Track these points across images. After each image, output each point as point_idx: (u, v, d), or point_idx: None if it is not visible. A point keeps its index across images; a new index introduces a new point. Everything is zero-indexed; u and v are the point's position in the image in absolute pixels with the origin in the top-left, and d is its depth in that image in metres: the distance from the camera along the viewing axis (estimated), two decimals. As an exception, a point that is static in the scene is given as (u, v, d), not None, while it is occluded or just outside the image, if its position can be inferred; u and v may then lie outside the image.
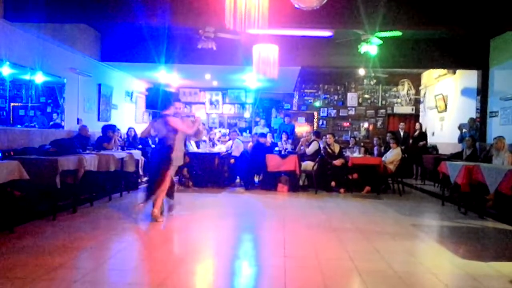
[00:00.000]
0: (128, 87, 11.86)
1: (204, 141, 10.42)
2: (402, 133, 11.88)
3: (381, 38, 7.91)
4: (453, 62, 9.87)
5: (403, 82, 13.72)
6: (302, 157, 9.46)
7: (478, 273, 3.78)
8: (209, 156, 9.30)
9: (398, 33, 7.57)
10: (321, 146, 9.49)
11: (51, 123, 8.03)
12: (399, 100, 13.88)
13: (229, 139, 10.71)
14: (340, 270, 3.84)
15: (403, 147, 10.16)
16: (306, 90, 14.08)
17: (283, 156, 9.04)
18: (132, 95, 12.03)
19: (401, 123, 12.35)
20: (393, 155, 9.13)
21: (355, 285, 3.60)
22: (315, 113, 14.00)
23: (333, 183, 9.07)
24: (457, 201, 7.24)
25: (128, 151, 8.19)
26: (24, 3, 6.35)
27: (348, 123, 14.01)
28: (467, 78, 10.26)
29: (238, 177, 10.00)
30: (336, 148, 9.44)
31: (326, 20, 6.36)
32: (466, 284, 3.59)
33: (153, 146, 10.55)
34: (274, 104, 14.62)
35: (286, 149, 9.71)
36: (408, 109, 13.75)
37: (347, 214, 6.63)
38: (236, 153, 9.82)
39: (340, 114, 13.98)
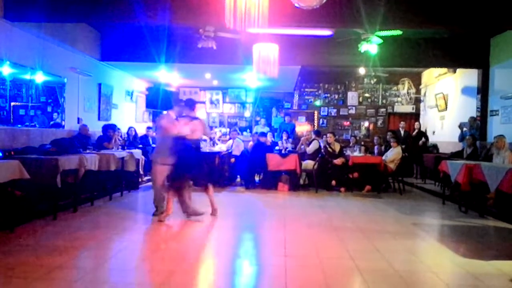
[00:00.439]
0: (129, 87, 11.86)
1: (205, 140, 10.41)
2: (402, 132, 11.87)
3: (381, 37, 7.90)
4: (453, 61, 9.86)
5: (403, 81, 13.71)
6: (303, 156, 9.46)
7: (479, 272, 3.78)
8: (209, 155, 9.28)
9: (398, 32, 7.56)
10: (322, 145, 9.50)
11: (51, 122, 8.03)
12: (399, 99, 13.88)
13: (230, 139, 10.71)
14: (341, 269, 3.84)
15: (403, 146, 10.16)
16: (306, 89, 14.07)
17: (284, 155, 9.04)
18: (132, 94, 12.03)
19: (402, 122, 12.34)
20: (393, 154, 9.12)
21: (356, 284, 3.60)
22: (316, 112, 13.99)
23: (333, 182, 9.07)
24: (458, 200, 7.24)
25: (128, 150, 8.19)
26: (24, 2, 6.35)
27: (348, 122, 14.00)
28: (468, 77, 10.25)
29: (238, 176, 10.00)
30: (337, 147, 9.44)
31: (326, 19, 6.35)
32: (467, 283, 3.59)
33: (153, 145, 10.59)
34: (274, 103, 14.61)
35: (287, 148, 9.71)
36: (408, 108, 13.75)
37: (347, 213, 6.63)
38: (237, 152, 9.82)
39: (341, 113, 13.97)
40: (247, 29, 4.43)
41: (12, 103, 6.97)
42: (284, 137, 10.44)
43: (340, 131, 13.76)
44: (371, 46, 8.06)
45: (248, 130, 13.87)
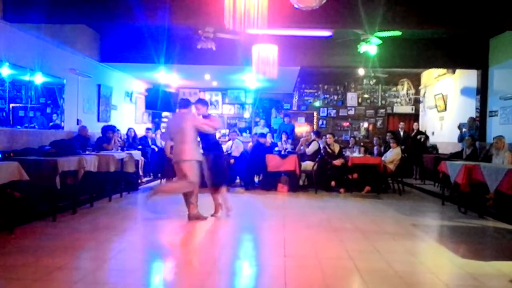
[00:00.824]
0: (128, 88, 11.86)
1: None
2: (402, 133, 11.89)
3: (380, 38, 7.91)
4: (452, 62, 9.88)
5: (402, 82, 13.72)
6: (302, 157, 9.46)
7: (479, 273, 3.78)
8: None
9: (397, 33, 7.57)
10: (321, 146, 9.50)
11: (50, 124, 8.03)
12: (398, 99, 13.89)
13: (229, 139, 10.70)
14: (340, 270, 3.84)
15: (403, 147, 10.16)
16: (305, 90, 14.08)
17: (283, 156, 9.04)
18: (131, 95, 12.02)
19: (401, 123, 12.36)
20: (393, 155, 9.13)
21: (355, 285, 3.60)
22: (315, 113, 14.00)
23: (333, 183, 9.07)
24: (457, 200, 7.24)
25: (128, 151, 8.19)
26: (23, 4, 6.35)
27: (347, 123, 14.01)
28: (467, 77, 10.26)
29: (238, 177, 9.99)
30: (336, 148, 9.44)
31: (326, 20, 6.36)
32: (466, 284, 3.59)
33: (153, 147, 10.60)
34: (273, 104, 14.61)
35: (286, 149, 9.71)
36: (407, 109, 13.76)
37: (347, 214, 6.63)
38: (236, 153, 9.81)
39: (340, 114, 13.98)
40: (246, 30, 4.44)
41: (12, 105, 6.97)
42: (284, 138, 10.43)
43: (340, 132, 13.77)
44: (370, 46, 8.07)
45: (247, 131, 13.87)
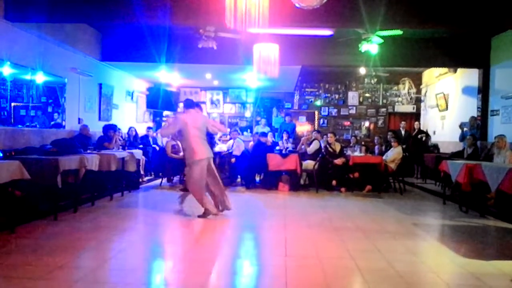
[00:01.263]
0: (129, 87, 11.86)
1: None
2: (403, 132, 11.88)
3: (381, 37, 7.90)
4: (454, 61, 9.87)
5: (404, 81, 13.70)
6: (303, 156, 9.45)
7: (480, 272, 3.78)
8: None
9: (399, 32, 7.56)
10: (322, 145, 9.49)
11: (52, 123, 8.04)
12: (400, 99, 13.88)
13: (230, 139, 10.72)
14: (341, 269, 3.84)
15: (404, 146, 10.15)
16: (307, 89, 14.08)
17: (284, 155, 9.04)
18: (133, 94, 12.03)
19: (402, 122, 12.35)
20: (394, 154, 9.12)
21: (357, 284, 3.60)
22: (316, 112, 14.00)
23: (334, 182, 9.07)
24: (458, 200, 7.24)
25: (129, 150, 8.19)
26: (24, 3, 6.35)
27: (349, 122, 14.01)
28: (468, 76, 10.25)
29: (239, 176, 10.00)
30: (337, 147, 9.43)
31: (327, 19, 6.35)
32: (467, 283, 3.58)
33: (154, 146, 10.61)
34: (275, 103, 14.61)
35: (287, 148, 9.71)
36: (409, 108, 13.75)
37: (348, 213, 6.62)
38: (237, 152, 9.82)
39: (341, 113, 13.98)
40: (247, 29, 4.44)
41: (13, 104, 6.98)
42: (285, 137, 10.44)
43: (341, 131, 13.77)
44: (371, 46, 8.06)
45: (248, 130, 13.88)
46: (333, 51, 9.44)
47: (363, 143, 11.63)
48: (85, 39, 8.81)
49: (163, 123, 13.21)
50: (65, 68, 8.29)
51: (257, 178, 9.75)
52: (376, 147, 11.05)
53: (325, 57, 9.66)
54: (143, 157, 9.13)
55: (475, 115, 9.53)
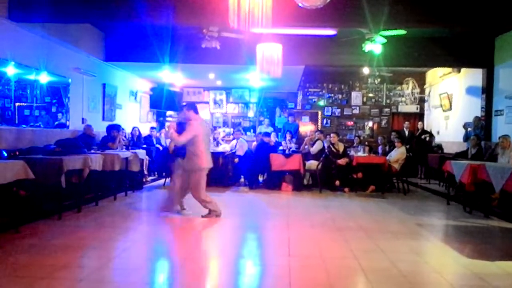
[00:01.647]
0: (132, 87, 11.89)
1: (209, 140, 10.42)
2: (406, 132, 11.85)
3: (385, 37, 7.88)
4: (457, 61, 9.83)
5: (407, 81, 13.67)
6: (306, 156, 9.45)
7: (484, 272, 3.77)
8: (213, 155, 9.24)
9: (402, 32, 7.54)
10: (325, 145, 9.48)
11: (56, 123, 8.06)
12: (403, 99, 13.84)
13: (233, 139, 10.72)
14: (345, 269, 3.83)
15: (407, 146, 10.13)
16: (310, 89, 14.07)
17: (287, 155, 9.03)
18: (136, 94, 12.05)
19: (406, 122, 12.33)
20: (397, 154, 9.10)
21: (360, 284, 3.60)
22: (319, 112, 13.99)
23: (337, 182, 9.05)
24: (462, 200, 7.21)
25: (132, 150, 8.21)
26: (28, 3, 6.37)
27: (352, 122, 13.99)
28: (472, 76, 10.21)
29: (242, 176, 10.01)
30: (341, 147, 9.42)
31: (330, 19, 6.35)
32: (471, 283, 3.57)
33: (158, 146, 10.63)
34: (278, 103, 14.60)
35: (290, 148, 9.70)
36: (412, 108, 13.72)
37: (351, 213, 6.62)
38: (240, 152, 9.83)
39: (344, 113, 13.96)
40: (250, 29, 4.44)
41: (17, 104, 7.01)
42: (288, 137, 10.44)
43: (344, 131, 13.75)
44: (375, 45, 8.05)
45: (251, 130, 13.88)
46: (336, 51, 9.42)
47: (366, 143, 11.61)
48: (88, 39, 8.84)
49: (166, 124, 13.17)
50: (69, 68, 8.32)
51: (260, 178, 9.75)
52: (380, 147, 11.02)
53: (328, 57, 9.64)
54: (147, 157, 9.15)
55: (479, 115, 9.49)
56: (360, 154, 9.59)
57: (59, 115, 8.16)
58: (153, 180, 9.86)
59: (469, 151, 8.65)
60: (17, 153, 5.99)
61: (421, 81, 13.58)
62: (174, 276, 3.55)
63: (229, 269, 3.95)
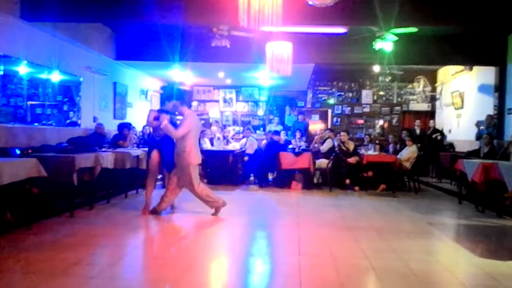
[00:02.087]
0: (143, 86, 11.96)
1: (218, 138, 10.47)
2: (418, 131, 11.75)
3: (396, 35, 7.82)
4: (470, 59, 9.71)
5: (418, 79, 13.55)
6: (316, 154, 9.42)
7: (496, 272, 3.73)
8: (223, 153, 9.32)
9: (413, 29, 7.48)
10: (335, 143, 9.45)
11: (67, 121, 8.14)
12: (414, 97, 13.72)
13: (243, 137, 10.73)
14: (356, 268, 3.82)
15: (419, 145, 10.04)
16: (320, 88, 14.01)
17: (297, 154, 9.01)
18: (147, 93, 12.12)
19: (417, 121, 12.22)
20: (408, 153, 9.03)
21: (371, 283, 3.58)
22: (329, 111, 13.93)
23: (347, 181, 9.01)
24: (475, 199, 7.13)
25: (143, 149, 8.24)
26: (40, 3, 6.44)
27: (362, 121, 13.91)
28: (484, 74, 10.08)
29: (251, 174, 10.01)
30: (351, 146, 9.37)
31: (340, 17, 6.32)
32: (484, 283, 3.54)
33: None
34: (287, 101, 14.58)
35: (300, 146, 9.68)
36: (424, 106, 13.59)
37: (362, 212, 6.59)
38: (250, 150, 9.83)
39: (355, 112, 13.88)
40: (260, 27, 4.44)
41: (29, 102, 7.09)
42: (298, 135, 10.41)
43: (354, 130, 13.67)
44: (385, 43, 7.98)
45: (261, 129, 13.87)
46: (347, 49, 9.37)
47: (377, 141, 11.54)
48: (100, 38, 8.90)
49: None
50: (80, 67, 8.39)
51: (270, 177, 9.74)
52: (390, 145, 10.94)
53: (338, 55, 9.60)
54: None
55: (492, 114, 9.37)
56: (370, 152, 9.53)
57: (71, 113, 8.23)
58: (162, 178, 9.88)
59: (481, 150, 8.55)
60: (30, 151, 6.06)
61: (432, 79, 13.45)
62: (185, 273, 3.56)
63: (239, 267, 3.96)
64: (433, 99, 13.50)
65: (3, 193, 4.36)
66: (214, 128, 11.05)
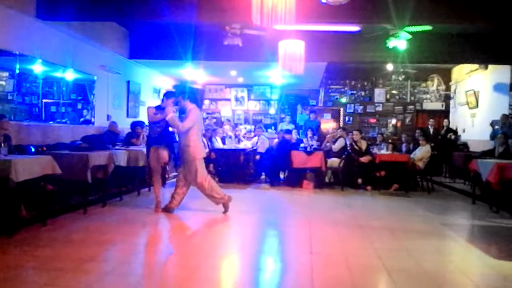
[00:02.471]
0: (156, 84, 12.04)
1: (230, 137, 10.49)
2: (431, 130, 11.63)
3: (410, 33, 7.74)
4: (485, 57, 9.56)
5: (432, 78, 13.41)
6: (328, 153, 9.39)
7: (510, 273, 3.68)
8: (234, 152, 9.34)
9: (427, 27, 7.40)
10: (347, 142, 9.40)
11: (81, 119, 8.23)
12: (428, 96, 13.58)
13: (255, 136, 10.75)
14: (368, 268, 3.80)
15: (432, 144, 9.95)
16: (332, 86, 13.93)
17: (309, 153, 8.99)
18: (159, 92, 12.20)
19: (431, 120, 12.09)
20: (422, 152, 8.95)
21: (383, 283, 3.56)
22: (341, 109, 13.85)
23: (359, 180, 8.95)
24: (489, 199, 7.04)
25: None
26: (55, 2, 6.52)
27: (374, 120, 13.80)
28: (499, 73, 9.94)
29: (263, 173, 10.01)
30: (363, 145, 9.32)
31: (354, 15, 6.26)
32: (497, 285, 3.49)
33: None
34: (299, 100, 14.54)
35: (312, 145, 9.65)
36: (437, 105, 13.44)
37: (374, 212, 6.55)
38: (262, 149, 9.84)
39: (367, 110, 13.78)
40: (273, 26, 4.43)
41: (44, 100, 7.20)
42: (309, 134, 10.38)
43: (366, 129, 13.57)
44: (399, 41, 7.91)
45: (273, 127, 13.86)
46: (360, 47, 9.29)
47: (389, 141, 11.45)
48: (113, 37, 8.98)
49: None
50: (94, 66, 8.47)
51: (282, 176, 9.74)
52: (403, 145, 10.84)
53: (351, 53, 9.53)
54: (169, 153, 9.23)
55: (507, 113, 9.23)
56: (383, 152, 9.46)
57: (85, 111, 8.33)
58: (175, 176, 9.94)
59: (496, 150, 8.42)
60: (44, 148, 6.15)
61: (446, 77, 13.29)
62: (196, 271, 3.58)
63: (250, 265, 3.97)
64: (447, 98, 13.35)
65: (19, 190, 4.43)
66: (227, 127, 11.08)
